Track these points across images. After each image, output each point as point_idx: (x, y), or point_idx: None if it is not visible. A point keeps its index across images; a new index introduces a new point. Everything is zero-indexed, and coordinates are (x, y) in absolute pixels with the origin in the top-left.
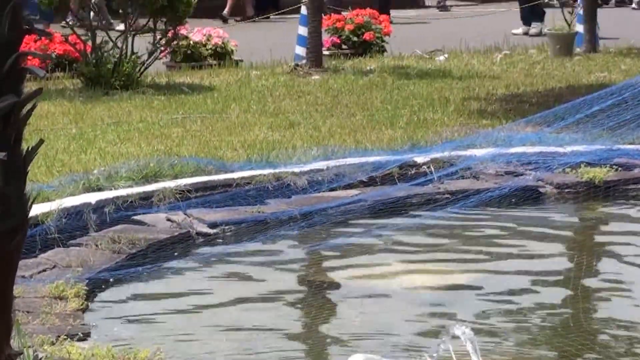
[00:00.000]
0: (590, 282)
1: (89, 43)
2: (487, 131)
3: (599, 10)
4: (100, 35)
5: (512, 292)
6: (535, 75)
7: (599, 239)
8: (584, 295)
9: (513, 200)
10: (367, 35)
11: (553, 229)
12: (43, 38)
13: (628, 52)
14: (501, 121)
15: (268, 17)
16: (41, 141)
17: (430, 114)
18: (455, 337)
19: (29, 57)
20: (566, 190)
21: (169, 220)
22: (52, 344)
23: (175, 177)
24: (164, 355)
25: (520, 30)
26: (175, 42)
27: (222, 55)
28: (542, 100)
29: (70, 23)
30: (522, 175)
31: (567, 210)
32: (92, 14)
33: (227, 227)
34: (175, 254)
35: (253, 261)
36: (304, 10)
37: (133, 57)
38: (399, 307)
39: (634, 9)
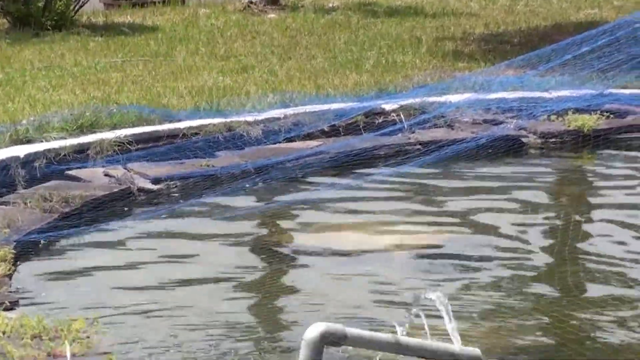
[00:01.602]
0: (577, 242)
1: None
2: (464, 75)
3: None
4: None
5: (489, 253)
6: (517, 13)
7: (586, 193)
8: (571, 256)
9: (491, 151)
10: None
11: (536, 183)
12: None
13: None
14: (479, 64)
15: None
16: None
17: (399, 56)
18: (426, 302)
19: None
20: (551, 139)
21: (107, 175)
22: None
23: (114, 127)
24: (101, 327)
25: None
26: None
27: None
28: (525, 41)
29: None
30: (502, 123)
31: (552, 162)
32: None
33: (172, 182)
34: (114, 213)
35: (201, 221)
36: None
37: None
38: (364, 271)
39: None
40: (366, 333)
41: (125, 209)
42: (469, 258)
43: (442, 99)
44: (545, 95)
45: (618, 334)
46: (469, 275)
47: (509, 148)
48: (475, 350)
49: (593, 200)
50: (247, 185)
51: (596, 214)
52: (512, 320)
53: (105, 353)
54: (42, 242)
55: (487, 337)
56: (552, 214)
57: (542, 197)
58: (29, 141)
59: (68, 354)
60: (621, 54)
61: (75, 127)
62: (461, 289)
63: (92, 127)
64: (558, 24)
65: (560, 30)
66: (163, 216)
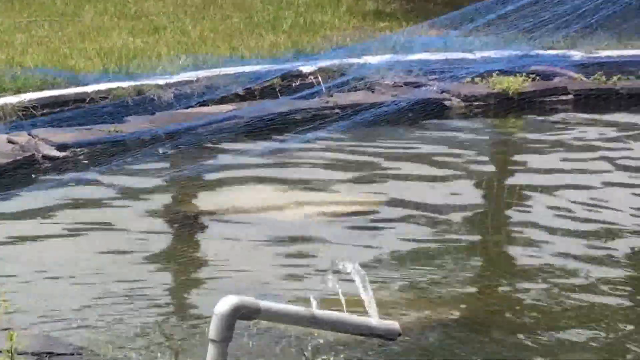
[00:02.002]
0: (501, 210)
1: None
2: (385, 35)
3: None
4: None
5: (411, 221)
6: None
7: (511, 158)
8: (495, 224)
9: (413, 115)
10: None
11: (459, 148)
12: None
13: None
14: (401, 23)
15: None
16: None
17: (318, 15)
18: (342, 272)
19: None
20: (475, 103)
21: (10, 142)
22: None
23: (18, 91)
24: (10, 303)
25: None
26: None
27: None
28: None
29: None
30: (424, 86)
31: (476, 125)
32: None
33: (79, 149)
34: (18, 181)
35: (109, 189)
36: None
37: None
38: (278, 240)
39: None
40: (280, 306)
41: (30, 177)
42: (390, 226)
43: (362, 60)
44: (469, 56)
45: (542, 303)
46: (390, 244)
47: (432, 111)
48: (394, 324)
49: (517, 165)
50: (158, 152)
51: (520, 179)
52: (434, 292)
53: (5, 329)
54: None
55: (408, 309)
56: (475, 180)
57: (465, 163)
58: None
59: None
60: (547, 13)
61: None
62: (381, 259)
63: None
64: None
65: None
66: (69, 184)
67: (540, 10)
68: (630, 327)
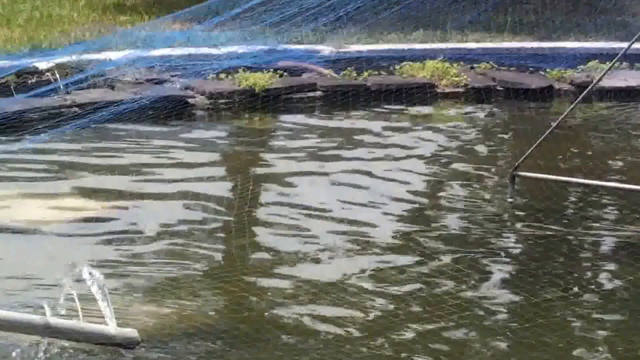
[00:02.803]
0: (252, 208)
1: None
2: (126, 30)
3: None
4: None
5: (155, 226)
6: None
7: (258, 157)
8: (250, 222)
9: (154, 112)
10: None
11: (204, 148)
12: None
13: None
14: (143, 17)
15: None
16: None
17: (55, 9)
18: (81, 280)
19: None
20: (220, 100)
21: None
22: None
23: None
24: None
25: None
26: None
27: None
28: None
29: None
30: (166, 82)
31: (221, 123)
32: None
33: None
34: None
35: None
36: None
37: None
38: (15, 246)
39: None
40: (11, 315)
41: None
42: (136, 231)
43: (102, 56)
44: (214, 51)
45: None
46: (134, 249)
47: (175, 109)
48: (133, 332)
49: (264, 164)
50: None
51: (267, 178)
52: (179, 300)
53: None
54: None
55: (150, 317)
56: (221, 180)
57: (207, 160)
58: None
59: None
60: (293, 7)
61: None
62: (121, 265)
63: None
64: None
65: None
66: None
67: (287, 3)
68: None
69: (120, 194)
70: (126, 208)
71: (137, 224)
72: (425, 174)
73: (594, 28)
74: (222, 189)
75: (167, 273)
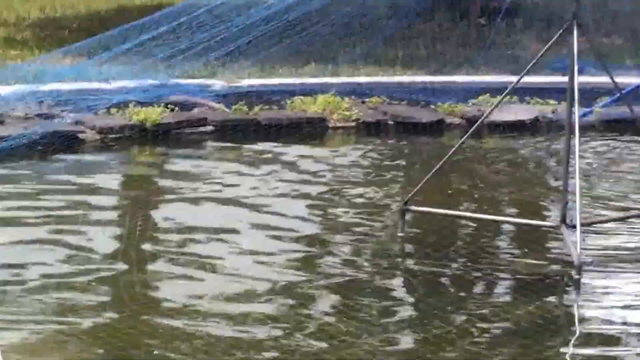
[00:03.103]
0: (138, 243)
1: None
2: (16, 64)
3: None
4: None
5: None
6: None
7: (149, 193)
8: (127, 254)
9: (42, 148)
10: None
11: (94, 183)
12: None
13: None
14: (33, 52)
15: None
16: None
17: None
18: None
19: None
20: (110, 135)
21: None
22: None
23: None
24: None
25: None
26: None
27: None
28: (86, 26)
29: None
30: (56, 117)
31: (112, 159)
32: None
33: None
34: None
35: None
36: None
37: None
38: None
39: None
40: None
41: None
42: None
43: None
44: (105, 86)
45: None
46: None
47: (64, 144)
48: None
49: (154, 199)
50: None
51: (157, 214)
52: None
53: None
54: None
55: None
56: (111, 216)
57: (98, 199)
58: None
59: None
60: (184, 41)
61: None
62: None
63: None
64: (122, 7)
65: (124, 15)
66: None
67: (177, 39)
68: None
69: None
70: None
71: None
72: (314, 208)
73: (484, 62)
74: (104, 229)
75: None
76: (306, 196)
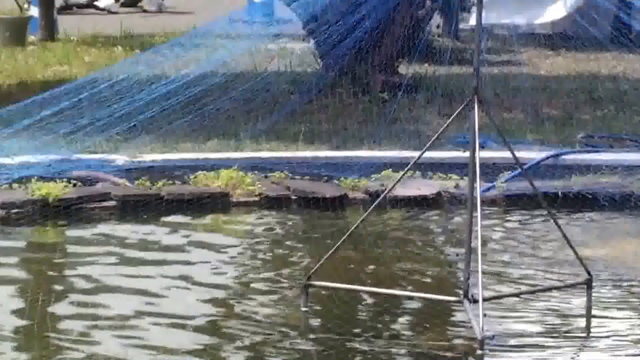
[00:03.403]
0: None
1: None
2: None
3: None
4: None
5: None
6: None
7: (52, 269)
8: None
9: None
10: None
11: None
12: None
13: (94, 41)
14: None
15: None
16: None
17: None
18: None
19: None
20: (13, 210)
21: None
22: None
23: None
24: None
25: None
26: None
27: None
28: None
29: None
30: None
31: (15, 235)
32: None
33: None
34: None
35: None
36: None
37: None
38: None
39: None
40: None
41: None
42: None
43: None
44: (7, 161)
45: None
46: None
47: None
48: None
49: (57, 276)
50: None
51: (58, 295)
52: None
53: None
54: None
55: None
56: (14, 293)
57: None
58: None
59: None
60: (85, 117)
61: None
62: None
63: None
64: (24, 81)
65: (27, 89)
66: None
67: (79, 114)
68: None
69: None
70: None
71: None
72: (215, 285)
73: (387, 137)
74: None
75: None
76: (206, 272)
